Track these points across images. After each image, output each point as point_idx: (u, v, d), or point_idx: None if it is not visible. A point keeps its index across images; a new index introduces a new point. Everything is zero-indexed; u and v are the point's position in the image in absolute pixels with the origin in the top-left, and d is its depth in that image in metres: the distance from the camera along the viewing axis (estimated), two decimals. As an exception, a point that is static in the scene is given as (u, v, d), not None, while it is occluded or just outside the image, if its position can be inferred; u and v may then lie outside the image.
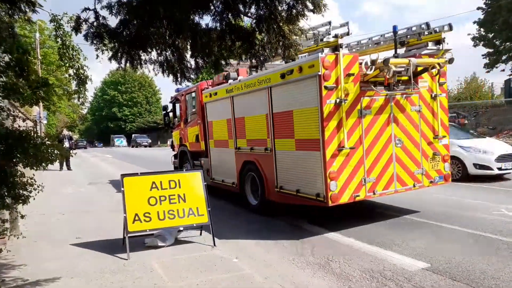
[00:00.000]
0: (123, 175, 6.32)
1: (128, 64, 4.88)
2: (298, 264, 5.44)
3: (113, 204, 9.59)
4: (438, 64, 7.03)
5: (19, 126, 3.87)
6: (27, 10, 4.43)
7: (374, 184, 6.85)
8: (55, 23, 6.25)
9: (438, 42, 7.32)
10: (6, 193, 3.47)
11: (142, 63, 4.94)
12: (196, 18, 4.59)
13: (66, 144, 19.56)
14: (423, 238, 6.21)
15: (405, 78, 6.92)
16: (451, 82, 75.79)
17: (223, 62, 5.05)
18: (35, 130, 3.90)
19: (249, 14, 4.62)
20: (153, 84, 75.67)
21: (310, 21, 4.55)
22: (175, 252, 6.04)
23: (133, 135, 60.81)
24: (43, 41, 27.29)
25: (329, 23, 7.22)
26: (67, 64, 6.64)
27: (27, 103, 4.09)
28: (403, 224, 7.05)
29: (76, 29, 4.43)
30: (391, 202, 8.73)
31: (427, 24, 7.32)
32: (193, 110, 11.60)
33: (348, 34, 6.80)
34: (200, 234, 6.81)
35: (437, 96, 7.50)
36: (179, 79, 5.07)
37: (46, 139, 4.05)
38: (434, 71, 7.14)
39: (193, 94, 11.48)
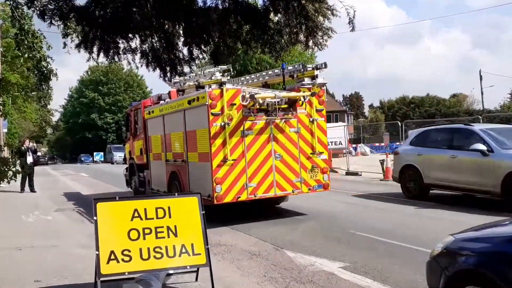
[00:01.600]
0: (96, 200, 5.00)
1: (101, 54, 3.66)
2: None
3: (85, 237, 8.15)
4: (303, 96, 8.78)
5: None
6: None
7: (255, 188, 8.47)
8: (11, 1, 4.88)
9: (313, 77, 9.22)
10: None
11: (120, 52, 3.75)
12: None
13: (30, 158, 16.56)
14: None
15: (285, 106, 8.64)
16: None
17: (225, 52, 3.90)
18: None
19: (260, -10, 3.55)
20: (143, 84, 65.39)
21: None
22: (160, 302, 4.71)
23: None
24: (6, 29, 21.56)
25: (214, 66, 9.73)
26: (26, 55, 5.24)
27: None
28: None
29: (29, 4, 3.21)
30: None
31: (303, 65, 9.63)
32: (139, 125, 13.17)
33: (231, 73, 9.51)
34: (196, 279, 5.43)
35: (315, 120, 9.02)
36: (167, 73, 3.87)
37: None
38: (300, 101, 8.86)
39: (139, 111, 13.05)
